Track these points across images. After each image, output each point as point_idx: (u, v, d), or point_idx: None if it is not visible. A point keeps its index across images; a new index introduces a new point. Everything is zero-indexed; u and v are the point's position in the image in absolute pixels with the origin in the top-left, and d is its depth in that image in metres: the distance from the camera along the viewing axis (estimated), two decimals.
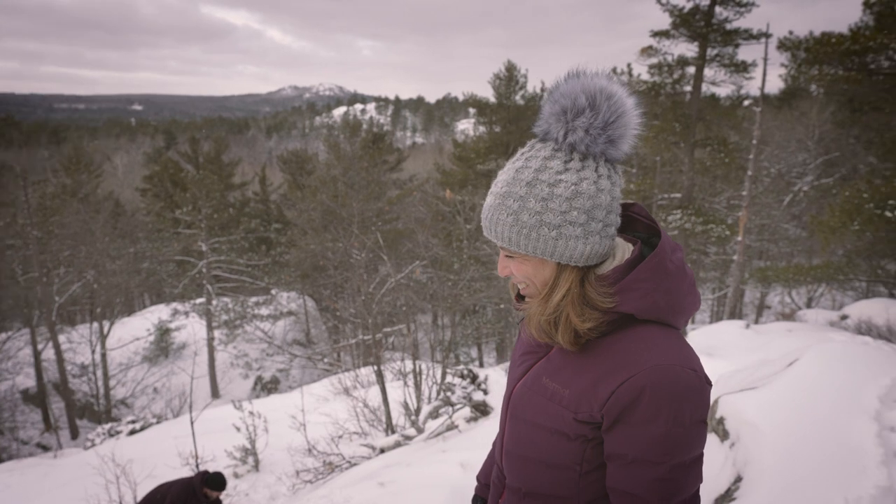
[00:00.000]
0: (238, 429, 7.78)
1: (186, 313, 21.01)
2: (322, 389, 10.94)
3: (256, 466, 7.68)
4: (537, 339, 1.06)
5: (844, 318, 10.30)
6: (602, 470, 1.03)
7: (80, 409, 18.58)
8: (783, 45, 9.91)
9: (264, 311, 22.18)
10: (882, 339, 7.86)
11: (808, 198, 20.25)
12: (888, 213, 7.47)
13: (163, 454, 7.76)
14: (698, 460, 0.96)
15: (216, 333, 20.85)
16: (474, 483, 5.33)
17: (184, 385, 17.66)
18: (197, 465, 6.39)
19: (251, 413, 7.81)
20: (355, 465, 6.34)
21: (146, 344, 20.98)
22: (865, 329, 9.18)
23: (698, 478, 0.97)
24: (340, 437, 7.44)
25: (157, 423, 11.17)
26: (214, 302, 20.66)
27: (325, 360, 18.92)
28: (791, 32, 9.70)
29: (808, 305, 19.33)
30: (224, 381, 20.51)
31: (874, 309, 10.36)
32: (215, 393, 19.94)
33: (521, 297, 1.14)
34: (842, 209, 8.08)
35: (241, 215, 27.12)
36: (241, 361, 21.28)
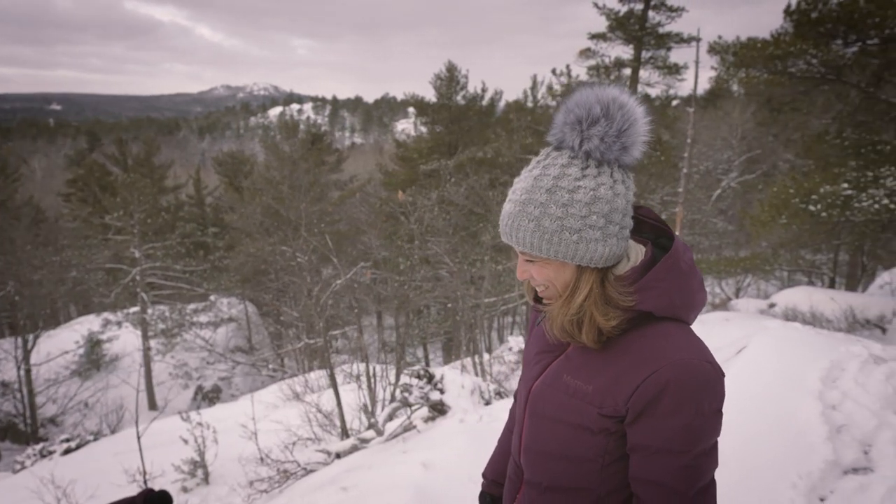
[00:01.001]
0: (185, 441, 7.49)
1: (119, 323, 20.01)
2: (271, 396, 10.68)
3: (206, 479, 7.43)
4: (557, 339, 1.10)
5: (772, 305, 10.98)
6: (623, 461, 1.08)
7: (1, 431, 17.37)
8: (713, 49, 10.48)
9: (203, 318, 21.42)
10: (808, 324, 8.42)
11: (733, 193, 21.37)
12: (811, 208, 8.02)
13: (104, 472, 7.38)
14: (716, 446, 1.03)
15: (153, 343, 19.97)
16: (437, 482, 5.35)
17: (122, 398, 16.84)
18: (145, 482, 6.13)
19: (199, 424, 7.54)
20: (312, 471, 6.24)
21: (76, 357, 19.85)
22: (792, 315, 9.81)
23: (716, 462, 1.04)
24: (294, 443, 7.30)
25: (95, 440, 10.60)
26: (150, 310, 19.78)
27: (270, 366, 18.48)
28: (720, 37, 10.29)
29: (737, 295, 20.42)
30: (162, 392, 19.68)
31: (798, 296, 11.09)
32: (153, 405, 19.11)
33: (538, 299, 1.17)
34: (770, 204, 8.62)
35: (176, 220, 26.09)
36: (181, 371, 20.47)
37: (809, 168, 10.15)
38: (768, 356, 3.51)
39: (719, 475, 1.09)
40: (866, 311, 9.67)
